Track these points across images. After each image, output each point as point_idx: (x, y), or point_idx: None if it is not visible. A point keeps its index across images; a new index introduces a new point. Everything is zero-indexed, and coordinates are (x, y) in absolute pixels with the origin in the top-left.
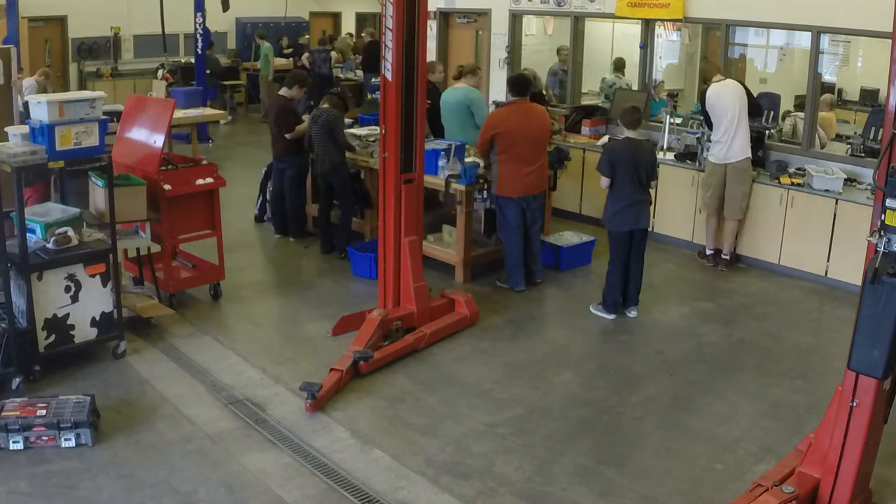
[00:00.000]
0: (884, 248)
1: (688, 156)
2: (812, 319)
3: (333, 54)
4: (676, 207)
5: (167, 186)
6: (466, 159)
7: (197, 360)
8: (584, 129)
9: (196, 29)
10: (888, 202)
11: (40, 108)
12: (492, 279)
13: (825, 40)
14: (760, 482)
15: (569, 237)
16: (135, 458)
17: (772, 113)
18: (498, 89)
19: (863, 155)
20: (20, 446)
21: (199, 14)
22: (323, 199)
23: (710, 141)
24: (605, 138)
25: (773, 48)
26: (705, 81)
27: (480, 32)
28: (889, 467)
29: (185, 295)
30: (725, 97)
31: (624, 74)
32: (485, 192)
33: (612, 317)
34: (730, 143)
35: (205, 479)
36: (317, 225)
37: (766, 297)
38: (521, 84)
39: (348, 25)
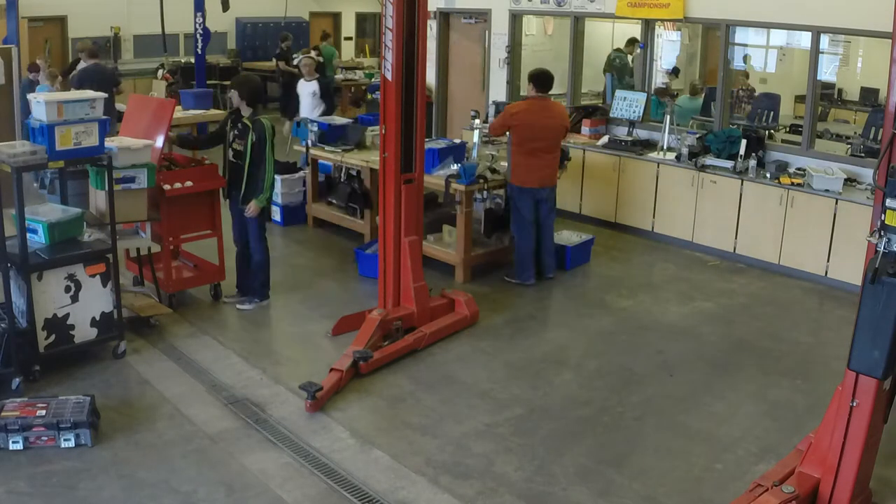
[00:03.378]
0: (884, 248)
1: (689, 156)
2: (812, 319)
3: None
4: (676, 207)
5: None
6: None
7: (197, 360)
8: (584, 129)
9: (196, 29)
10: (888, 202)
11: (40, 108)
12: (491, 279)
13: (825, 40)
14: (760, 482)
15: (568, 236)
16: (135, 458)
17: (772, 113)
18: (498, 90)
19: (863, 155)
20: (20, 446)
21: (199, 14)
22: None
23: None
24: (605, 138)
25: (773, 48)
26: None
27: (488, 32)
28: (889, 467)
29: (185, 295)
30: None
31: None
32: (485, 192)
33: None
34: None
35: (205, 479)
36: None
37: (766, 297)
38: (544, 79)
39: (348, 25)
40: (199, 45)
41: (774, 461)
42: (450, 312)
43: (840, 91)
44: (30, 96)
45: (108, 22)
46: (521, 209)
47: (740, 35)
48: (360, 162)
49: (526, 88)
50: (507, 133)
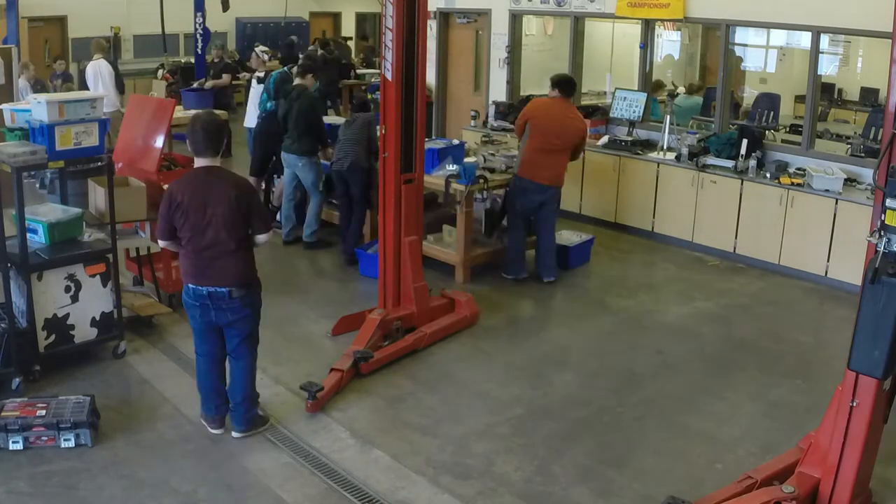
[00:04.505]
0: (884, 248)
1: (690, 156)
2: (812, 319)
3: None
4: (676, 207)
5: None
6: (466, 159)
7: None
8: None
9: (196, 29)
10: (888, 202)
11: (40, 108)
12: (491, 279)
13: (825, 40)
14: (751, 474)
15: (568, 236)
16: (135, 458)
17: (771, 113)
18: (498, 90)
19: (863, 155)
20: (20, 446)
21: (199, 14)
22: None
23: None
24: (605, 138)
25: (773, 48)
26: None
27: (480, 32)
28: (889, 467)
29: None
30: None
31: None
32: (485, 192)
33: None
34: None
35: (205, 479)
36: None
37: (766, 297)
38: (569, 85)
39: (348, 25)
40: (199, 45)
41: None
42: (450, 312)
43: (840, 91)
44: (31, 95)
45: (108, 22)
46: (517, 203)
47: (740, 35)
48: None
49: (549, 92)
50: (526, 126)
